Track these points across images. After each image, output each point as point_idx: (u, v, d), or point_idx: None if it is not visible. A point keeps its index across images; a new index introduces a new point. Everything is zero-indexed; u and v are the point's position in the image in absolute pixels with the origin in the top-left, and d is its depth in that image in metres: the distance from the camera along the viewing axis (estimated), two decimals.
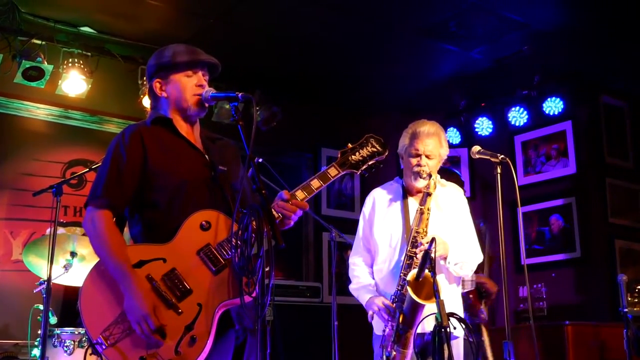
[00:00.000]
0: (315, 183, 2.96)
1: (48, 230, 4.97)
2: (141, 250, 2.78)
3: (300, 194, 2.90)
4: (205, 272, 2.74)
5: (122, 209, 2.88)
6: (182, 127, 3.01)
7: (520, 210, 4.08)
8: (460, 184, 4.54)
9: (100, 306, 2.70)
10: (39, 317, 4.76)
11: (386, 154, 3.15)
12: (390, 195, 4.03)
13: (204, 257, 2.76)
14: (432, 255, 3.19)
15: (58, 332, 4.79)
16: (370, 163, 3.11)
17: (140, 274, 2.70)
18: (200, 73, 3.00)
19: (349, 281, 4.08)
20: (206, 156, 2.98)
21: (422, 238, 3.63)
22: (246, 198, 2.84)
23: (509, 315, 3.54)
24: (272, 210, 2.75)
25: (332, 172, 3.03)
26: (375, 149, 3.14)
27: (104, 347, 2.63)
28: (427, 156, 3.83)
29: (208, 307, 2.70)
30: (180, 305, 2.69)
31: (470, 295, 5.40)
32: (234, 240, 2.65)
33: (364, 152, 3.11)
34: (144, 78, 6.55)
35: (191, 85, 2.97)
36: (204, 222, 2.79)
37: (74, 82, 6.30)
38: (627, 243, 7.30)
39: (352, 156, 3.09)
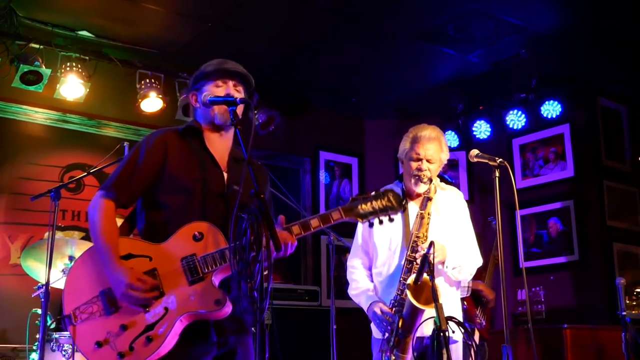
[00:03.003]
0: (315, 222, 2.93)
1: (46, 235, 4.96)
2: (133, 244, 2.88)
3: (296, 229, 2.89)
4: (182, 280, 2.79)
5: (127, 204, 3.00)
6: (211, 140, 3.05)
7: (519, 213, 4.08)
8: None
9: (81, 284, 2.84)
10: (37, 322, 4.76)
11: (400, 211, 3.03)
12: None
13: (185, 265, 2.80)
14: (431, 259, 3.19)
15: (56, 336, 4.78)
16: (380, 217, 2.97)
17: (125, 265, 2.79)
18: (230, 83, 3.02)
19: (347, 285, 4.08)
20: (225, 174, 3.01)
21: (423, 243, 3.63)
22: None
23: (507, 318, 3.53)
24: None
25: (335, 215, 2.96)
26: (390, 204, 2.98)
27: (71, 322, 2.78)
28: (427, 160, 3.84)
29: (172, 313, 2.75)
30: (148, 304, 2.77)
31: (466, 302, 5.40)
32: (231, 247, 2.66)
33: (378, 204, 2.97)
34: (142, 82, 6.57)
35: (219, 94, 2.98)
36: (197, 233, 2.83)
37: (72, 86, 6.30)
38: (625, 246, 7.31)
39: (363, 205, 2.97)
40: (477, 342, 5.47)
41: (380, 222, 2.98)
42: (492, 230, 5.87)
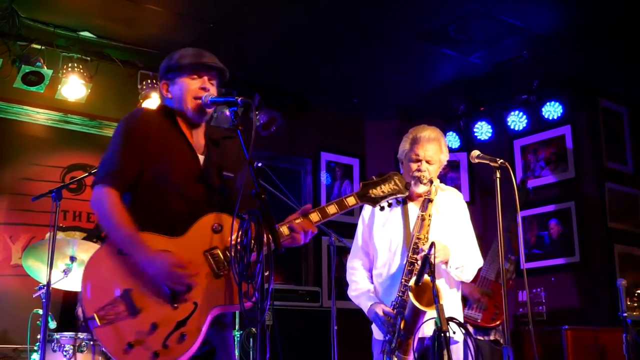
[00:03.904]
0: (332, 209, 3.01)
1: (47, 235, 4.96)
2: (151, 238, 2.79)
3: (314, 217, 2.94)
4: (208, 273, 2.77)
5: (124, 188, 2.90)
6: (185, 125, 3.04)
7: (520, 214, 4.07)
8: None
9: (101, 284, 2.74)
10: (38, 322, 4.75)
11: (406, 193, 3.16)
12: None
13: (210, 258, 2.78)
14: (432, 260, 3.19)
15: (57, 336, 4.77)
16: (389, 200, 3.12)
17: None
18: (205, 77, 3.02)
19: (346, 286, 4.07)
20: (200, 157, 2.99)
21: (423, 244, 3.62)
22: (244, 200, 2.85)
23: (508, 319, 3.53)
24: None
25: (351, 201, 3.05)
26: (397, 187, 3.13)
27: (96, 325, 2.66)
28: (427, 161, 3.83)
29: (203, 308, 2.72)
30: (176, 300, 2.72)
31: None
32: (233, 250, 2.65)
33: (386, 188, 3.11)
34: (144, 82, 6.58)
35: (194, 88, 2.99)
36: (216, 225, 2.82)
37: (74, 87, 6.30)
38: (626, 248, 7.30)
39: (373, 190, 3.10)
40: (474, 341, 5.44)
41: (389, 204, 3.13)
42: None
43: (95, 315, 2.67)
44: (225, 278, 2.77)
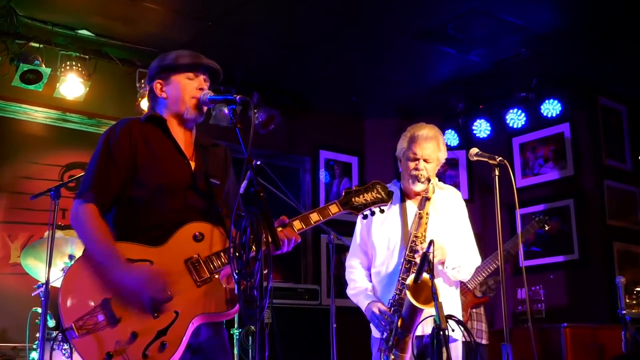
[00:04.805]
0: (314, 216, 2.99)
1: (46, 234, 4.97)
2: (130, 248, 2.77)
3: (297, 224, 2.92)
4: (189, 282, 2.75)
5: (108, 203, 2.86)
6: (175, 130, 3.01)
7: (519, 212, 4.07)
8: None
9: (79, 294, 2.70)
10: (37, 320, 4.76)
11: (390, 202, 3.15)
12: None
13: (191, 267, 2.76)
14: (430, 257, 3.19)
15: (56, 335, 4.78)
16: (372, 208, 3.12)
17: (136, 264, 2.71)
18: (201, 77, 3.00)
19: (345, 284, 4.07)
20: (191, 163, 2.97)
21: (421, 243, 3.62)
22: (231, 202, 2.85)
23: (507, 317, 3.53)
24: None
25: (333, 209, 3.04)
26: (379, 196, 3.13)
27: (74, 336, 2.63)
28: (425, 160, 3.83)
29: (184, 316, 2.70)
30: (157, 309, 2.70)
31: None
32: (231, 250, 2.64)
33: (368, 196, 3.11)
34: (142, 80, 6.56)
35: (191, 88, 2.97)
36: (197, 234, 2.81)
37: (72, 85, 6.30)
38: (625, 245, 7.31)
39: (356, 198, 3.09)
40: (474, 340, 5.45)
41: (373, 213, 3.12)
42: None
43: (73, 326, 2.63)
44: (206, 287, 2.76)
